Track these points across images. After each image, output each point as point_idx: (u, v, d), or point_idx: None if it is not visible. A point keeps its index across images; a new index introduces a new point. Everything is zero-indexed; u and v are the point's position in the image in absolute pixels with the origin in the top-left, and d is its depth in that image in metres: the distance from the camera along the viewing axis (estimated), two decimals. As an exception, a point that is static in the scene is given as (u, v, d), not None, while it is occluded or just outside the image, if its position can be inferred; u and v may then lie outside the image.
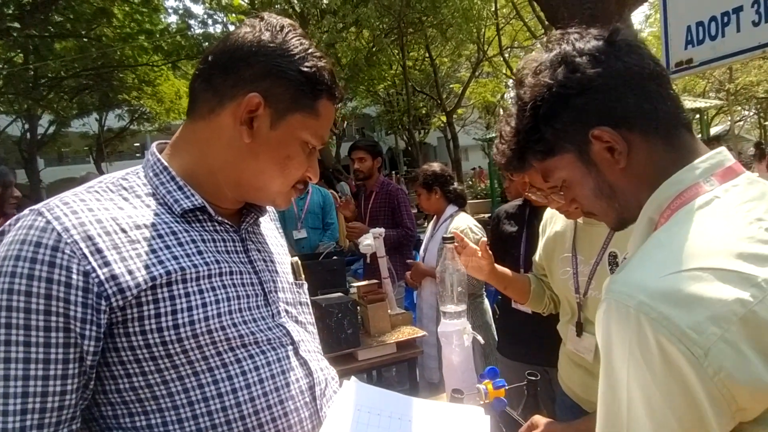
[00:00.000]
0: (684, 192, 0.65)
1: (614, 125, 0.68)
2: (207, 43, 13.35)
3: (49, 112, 16.51)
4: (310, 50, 0.80)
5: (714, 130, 18.90)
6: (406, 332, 2.42)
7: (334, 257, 3.36)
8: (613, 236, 1.24)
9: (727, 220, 0.60)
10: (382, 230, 2.71)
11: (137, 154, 34.00)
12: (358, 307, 2.43)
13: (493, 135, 16.18)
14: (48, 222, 0.67)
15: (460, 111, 19.97)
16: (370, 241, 2.72)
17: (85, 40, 13.66)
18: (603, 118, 0.68)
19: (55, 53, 13.23)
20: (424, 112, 20.85)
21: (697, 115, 13.89)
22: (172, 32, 14.70)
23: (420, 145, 19.28)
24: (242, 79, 0.78)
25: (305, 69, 0.78)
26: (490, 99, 19.59)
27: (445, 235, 1.41)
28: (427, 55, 16.59)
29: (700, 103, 14.40)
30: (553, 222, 1.53)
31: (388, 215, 3.32)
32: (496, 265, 1.51)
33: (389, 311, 2.51)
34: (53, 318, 0.65)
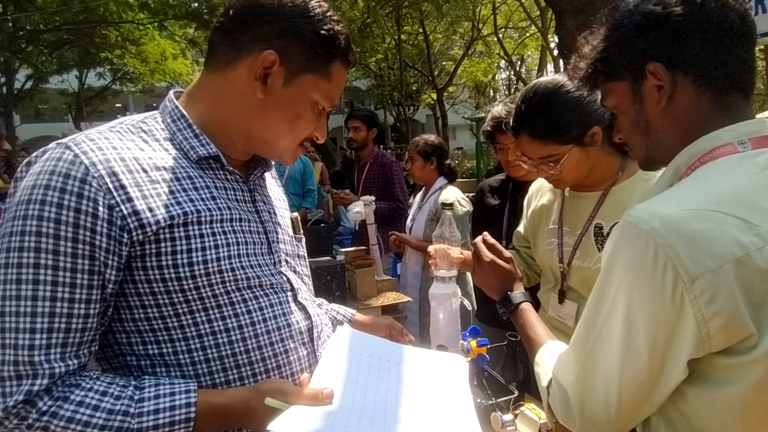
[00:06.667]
0: (717, 149, 0.69)
1: (671, 66, 0.72)
2: (196, 4, 12.92)
3: (27, 66, 15.89)
4: (328, 13, 0.83)
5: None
6: (391, 297, 2.50)
7: (322, 224, 3.42)
8: (600, 208, 1.31)
9: (748, 177, 0.65)
10: (371, 198, 2.75)
11: (118, 115, 32.75)
12: (346, 272, 2.49)
13: (483, 115, 16.17)
14: (76, 155, 0.70)
15: (450, 89, 19.87)
16: (360, 208, 2.77)
17: (67, -8, 13.09)
18: (664, 55, 0.72)
19: (36, 5, 12.66)
20: (414, 88, 20.69)
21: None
22: (160, -10, 14.15)
23: (409, 122, 19.18)
24: (260, 36, 0.80)
25: (323, 32, 0.81)
26: (481, 78, 19.51)
27: (444, 202, 1.47)
28: (420, 30, 16.37)
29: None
30: (539, 195, 1.59)
31: (381, 187, 3.36)
32: (467, 252, 1.58)
33: (376, 277, 2.58)
34: (80, 246, 0.69)
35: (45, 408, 0.66)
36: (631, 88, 0.77)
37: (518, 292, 1.12)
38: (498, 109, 1.93)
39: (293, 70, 0.82)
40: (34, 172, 0.70)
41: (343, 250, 2.78)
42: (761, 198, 0.63)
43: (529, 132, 1.24)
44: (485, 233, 1.24)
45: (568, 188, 1.42)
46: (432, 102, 19.52)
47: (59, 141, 0.73)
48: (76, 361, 0.70)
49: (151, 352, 0.77)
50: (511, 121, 1.30)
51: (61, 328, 0.68)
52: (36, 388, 0.66)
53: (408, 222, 3.00)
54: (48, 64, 16.34)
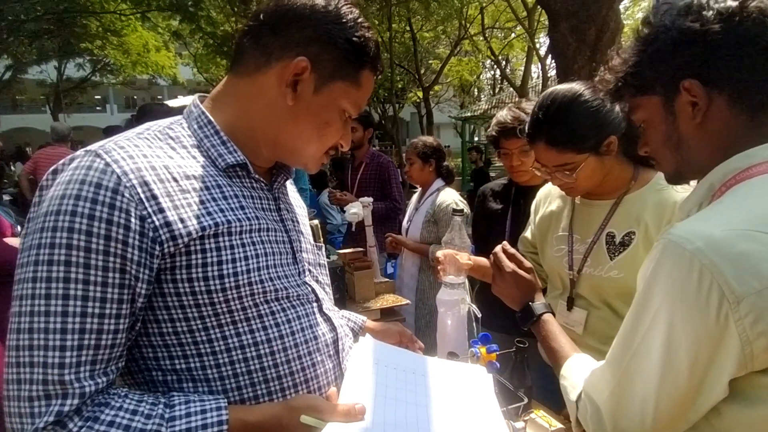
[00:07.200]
0: (753, 167, 0.69)
1: (706, 82, 0.71)
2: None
3: (6, 57, 15.44)
4: (359, 20, 0.82)
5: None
6: (390, 300, 2.49)
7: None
8: (612, 217, 1.32)
9: None
10: (370, 199, 2.74)
11: (98, 107, 32.25)
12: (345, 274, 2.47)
13: (468, 114, 16.22)
14: (107, 164, 0.68)
15: (437, 87, 19.91)
16: (357, 209, 2.74)
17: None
18: (700, 72, 0.71)
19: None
20: (400, 86, 20.67)
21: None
22: (143, -20, 13.83)
23: (396, 120, 19.18)
24: (291, 42, 0.78)
25: (354, 38, 0.80)
26: (467, 77, 19.60)
27: (455, 208, 1.46)
28: (407, 28, 16.35)
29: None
30: (547, 201, 1.59)
31: (377, 187, 3.35)
32: (475, 258, 1.58)
33: (374, 279, 2.57)
34: (111, 259, 0.66)
35: (76, 429, 0.63)
36: (663, 104, 0.77)
37: (540, 303, 1.12)
38: (503, 114, 1.93)
39: (324, 78, 0.80)
40: (62, 181, 0.67)
41: (340, 251, 2.76)
42: None
43: (546, 140, 1.24)
44: (505, 242, 1.24)
45: (579, 196, 1.43)
46: (418, 100, 19.52)
47: (88, 148, 0.70)
48: (104, 379, 0.67)
49: (178, 366, 0.74)
50: (526, 128, 1.29)
51: (91, 345, 0.66)
52: (66, 408, 0.63)
53: (404, 223, 2.99)
54: (27, 54, 15.90)
